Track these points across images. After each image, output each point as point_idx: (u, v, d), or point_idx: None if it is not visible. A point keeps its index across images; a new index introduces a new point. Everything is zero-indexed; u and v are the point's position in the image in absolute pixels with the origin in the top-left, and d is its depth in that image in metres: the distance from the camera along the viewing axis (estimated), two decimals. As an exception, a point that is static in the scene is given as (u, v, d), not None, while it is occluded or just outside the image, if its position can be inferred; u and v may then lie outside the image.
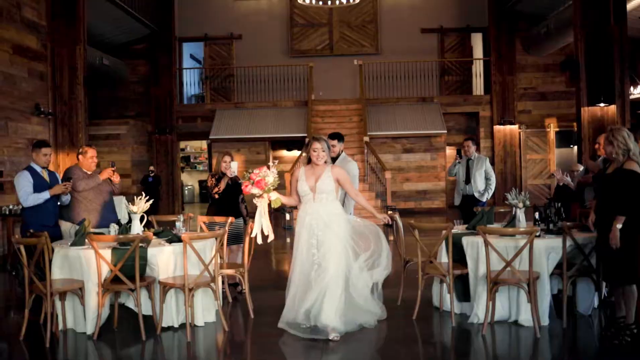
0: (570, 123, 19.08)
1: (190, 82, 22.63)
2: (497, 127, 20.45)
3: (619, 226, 5.33)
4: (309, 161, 6.18)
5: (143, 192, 6.98)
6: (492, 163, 20.34)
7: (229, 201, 8.01)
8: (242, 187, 6.01)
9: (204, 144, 24.98)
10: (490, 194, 9.70)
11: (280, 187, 6.33)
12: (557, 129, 20.66)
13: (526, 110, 20.80)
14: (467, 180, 9.67)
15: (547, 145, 20.75)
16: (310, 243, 5.96)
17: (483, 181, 9.61)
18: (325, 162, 6.13)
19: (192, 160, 27.20)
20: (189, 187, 26.83)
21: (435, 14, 21.44)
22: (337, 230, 5.96)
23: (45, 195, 6.84)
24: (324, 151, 6.08)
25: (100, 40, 18.53)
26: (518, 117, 20.57)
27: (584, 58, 13.46)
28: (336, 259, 5.87)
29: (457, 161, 9.94)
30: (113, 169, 7.19)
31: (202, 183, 26.45)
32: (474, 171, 9.62)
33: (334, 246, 5.91)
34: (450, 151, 21.08)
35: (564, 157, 20.44)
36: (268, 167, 5.86)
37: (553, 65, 20.24)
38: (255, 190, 5.78)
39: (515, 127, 20.45)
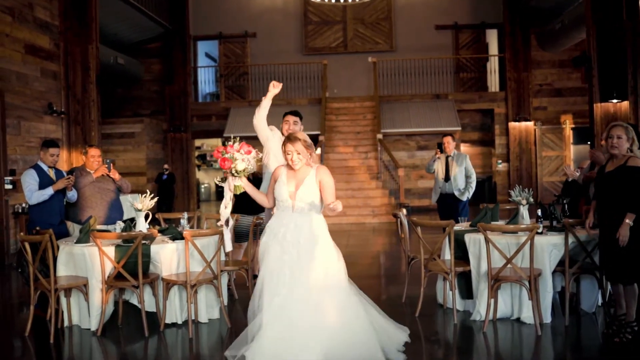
0: (586, 119, 18.89)
1: (206, 81, 22.76)
2: (512, 124, 20.32)
3: (630, 223, 5.27)
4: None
5: (148, 191, 7.04)
6: (507, 160, 20.30)
7: (250, 196, 8.07)
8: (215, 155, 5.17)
9: (220, 142, 25.10)
10: (471, 193, 9.44)
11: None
12: (573, 126, 20.48)
13: (542, 106, 20.63)
14: (447, 178, 9.45)
15: (563, 142, 20.59)
16: (282, 260, 4.93)
17: (463, 179, 9.39)
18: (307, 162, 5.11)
19: (208, 158, 27.33)
20: (205, 185, 26.97)
21: (450, 10, 21.33)
22: (321, 253, 4.97)
23: (49, 191, 6.89)
24: (299, 153, 5.04)
25: (114, 39, 18.67)
26: (533, 114, 20.43)
27: (597, 54, 13.36)
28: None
29: (437, 156, 9.68)
30: (106, 165, 7.22)
31: (218, 181, 26.53)
32: (454, 168, 9.39)
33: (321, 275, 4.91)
34: (465, 148, 21.01)
35: (580, 154, 20.24)
36: (249, 152, 5.11)
37: (569, 61, 20.01)
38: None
39: (530, 124, 20.32)
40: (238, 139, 5.20)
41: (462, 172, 9.39)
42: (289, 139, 5.09)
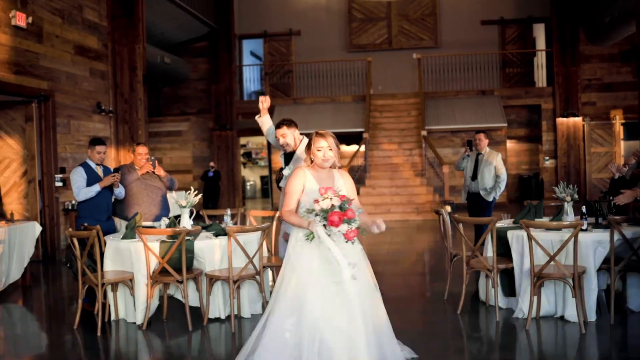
0: (637, 115, 18.48)
1: (251, 79, 22.95)
2: (560, 120, 19.96)
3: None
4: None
5: (192, 187, 7.13)
6: (555, 156, 19.97)
7: None
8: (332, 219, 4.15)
9: (265, 140, 25.27)
10: (499, 194, 8.97)
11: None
12: (623, 121, 20.01)
13: (590, 102, 20.22)
14: (474, 177, 9.07)
15: (612, 137, 20.14)
16: (332, 278, 4.36)
17: (492, 179, 8.94)
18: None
19: (253, 156, 27.54)
20: (251, 182, 27.18)
21: (495, 5, 21.08)
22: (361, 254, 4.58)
23: (96, 187, 7.06)
24: (331, 150, 4.54)
25: (161, 39, 18.95)
26: (582, 109, 20.03)
27: (647, 47, 13.06)
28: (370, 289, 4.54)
29: (467, 154, 9.27)
30: (151, 162, 7.34)
31: (263, 179, 26.80)
32: (482, 167, 8.98)
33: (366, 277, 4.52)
34: (511, 145, 20.75)
35: (631, 150, 19.68)
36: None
37: (619, 55, 19.67)
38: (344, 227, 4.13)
39: (579, 120, 19.92)
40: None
41: (490, 171, 8.97)
42: (320, 134, 4.57)
